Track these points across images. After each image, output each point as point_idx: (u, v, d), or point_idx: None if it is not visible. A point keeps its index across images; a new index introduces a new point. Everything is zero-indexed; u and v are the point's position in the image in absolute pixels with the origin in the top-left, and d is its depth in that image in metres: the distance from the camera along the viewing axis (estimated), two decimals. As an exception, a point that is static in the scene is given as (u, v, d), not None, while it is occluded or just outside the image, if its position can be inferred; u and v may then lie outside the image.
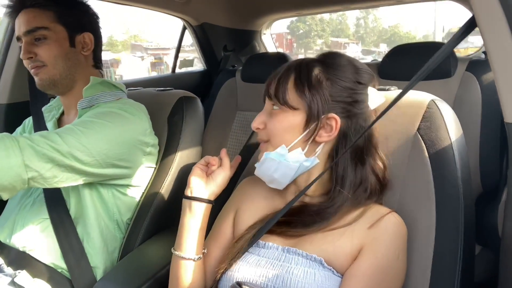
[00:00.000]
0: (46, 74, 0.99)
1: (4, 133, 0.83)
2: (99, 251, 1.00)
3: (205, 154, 0.85)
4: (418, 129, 0.77)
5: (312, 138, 0.71)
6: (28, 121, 1.17)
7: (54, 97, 1.16)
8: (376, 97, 0.75)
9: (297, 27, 52.81)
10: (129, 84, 1.42)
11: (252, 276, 0.70)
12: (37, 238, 0.97)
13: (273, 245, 0.74)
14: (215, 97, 1.91)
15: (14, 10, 1.00)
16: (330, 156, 0.73)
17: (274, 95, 0.74)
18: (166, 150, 1.13)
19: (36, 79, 1.01)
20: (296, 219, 0.73)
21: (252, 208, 0.82)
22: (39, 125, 1.09)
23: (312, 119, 0.70)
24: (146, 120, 1.05)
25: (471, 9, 1.71)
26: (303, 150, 0.72)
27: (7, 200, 1.08)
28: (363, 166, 0.73)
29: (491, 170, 1.35)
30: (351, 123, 0.72)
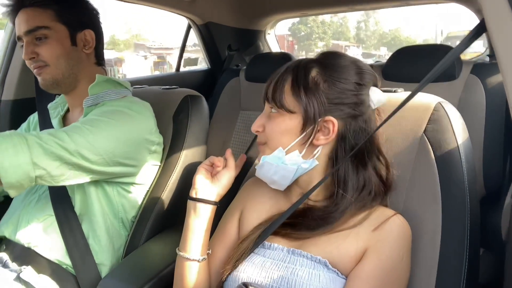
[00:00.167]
0: (48, 74, 0.99)
1: (12, 130, 0.83)
2: (105, 249, 1.00)
3: (208, 154, 0.84)
4: (425, 131, 0.77)
5: (310, 141, 0.71)
6: (33, 117, 1.17)
7: (59, 94, 1.16)
8: (378, 97, 0.73)
9: (298, 29, 52.73)
10: (134, 82, 1.43)
11: (257, 277, 0.70)
12: (42, 235, 0.97)
13: (278, 246, 0.74)
14: (219, 96, 1.91)
15: (13, 9, 0.99)
16: (330, 158, 0.73)
17: (271, 98, 0.73)
18: (171, 149, 1.13)
19: (39, 79, 1.01)
20: (300, 221, 0.73)
21: (257, 209, 0.81)
22: (45, 122, 1.10)
23: (309, 122, 0.70)
24: (152, 119, 1.06)
25: (477, 12, 1.70)
26: (300, 152, 0.72)
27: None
28: (365, 169, 0.72)
29: (494, 173, 1.35)
30: (350, 125, 0.71)
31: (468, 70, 1.41)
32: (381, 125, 0.69)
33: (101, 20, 1.10)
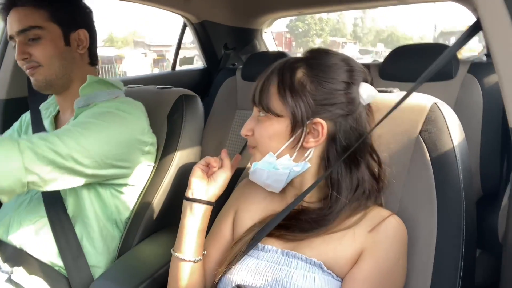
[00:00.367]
0: (41, 74, 0.97)
1: (5, 135, 0.81)
2: (98, 250, 0.99)
3: (204, 153, 0.84)
4: (421, 132, 0.76)
5: (300, 144, 0.69)
6: (25, 116, 1.16)
7: (52, 94, 1.15)
8: (368, 92, 0.71)
9: (296, 26, 52.70)
10: (129, 82, 1.41)
11: (251, 280, 0.69)
12: (34, 236, 0.96)
13: (272, 248, 0.73)
14: (215, 95, 1.90)
15: (5, 8, 0.97)
16: (323, 158, 0.72)
17: (258, 102, 0.72)
18: (165, 149, 1.12)
19: (32, 79, 0.99)
20: (294, 223, 0.72)
21: (251, 209, 0.81)
22: (37, 122, 1.08)
23: (297, 125, 0.68)
24: (144, 119, 1.04)
25: (474, 11, 1.70)
26: (291, 156, 0.71)
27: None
28: (358, 168, 0.71)
29: (492, 174, 1.34)
30: (340, 126, 0.69)
31: (465, 70, 1.41)
32: (376, 125, 0.68)
33: (94, 18, 1.08)
